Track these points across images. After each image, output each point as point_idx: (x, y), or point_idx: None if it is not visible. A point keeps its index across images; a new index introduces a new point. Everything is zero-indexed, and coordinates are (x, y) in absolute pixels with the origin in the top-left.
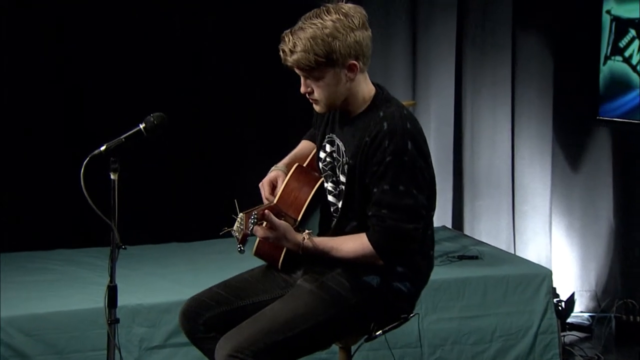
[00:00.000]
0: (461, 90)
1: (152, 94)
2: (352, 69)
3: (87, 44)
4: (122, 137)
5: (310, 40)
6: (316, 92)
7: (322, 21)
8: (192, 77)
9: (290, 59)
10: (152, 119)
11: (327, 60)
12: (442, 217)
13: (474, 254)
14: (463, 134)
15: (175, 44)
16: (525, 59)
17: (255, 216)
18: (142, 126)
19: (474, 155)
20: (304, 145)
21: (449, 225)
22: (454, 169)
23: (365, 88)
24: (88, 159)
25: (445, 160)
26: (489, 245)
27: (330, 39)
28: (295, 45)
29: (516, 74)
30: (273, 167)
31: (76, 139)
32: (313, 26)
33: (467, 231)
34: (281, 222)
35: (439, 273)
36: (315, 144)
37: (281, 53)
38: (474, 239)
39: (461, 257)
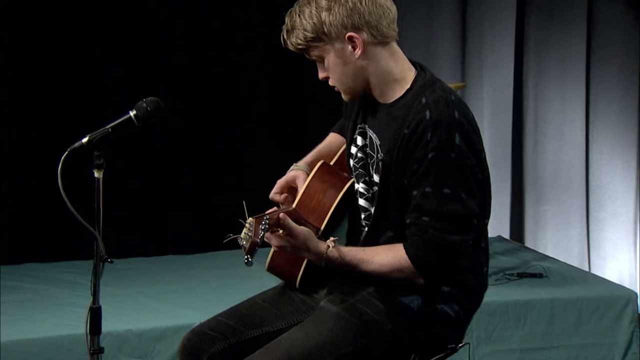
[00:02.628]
0: (522, 69)
1: (146, 81)
2: (353, 42)
3: (72, 23)
4: (108, 126)
5: (300, 16)
6: (330, 77)
7: None
8: (193, 63)
9: (288, 42)
10: (144, 104)
11: (317, 36)
12: (497, 225)
13: (537, 271)
14: (524, 124)
15: (172, 26)
16: (604, 29)
17: (268, 221)
18: (132, 113)
19: (537, 150)
20: (332, 139)
21: (507, 236)
22: (512, 167)
23: (396, 67)
24: (67, 153)
25: (502, 156)
26: (557, 260)
27: (318, 11)
28: (289, 26)
29: (592, 48)
30: (293, 166)
31: (54, 128)
32: (306, 1)
33: (529, 243)
34: (302, 229)
35: (495, 294)
36: (345, 137)
37: (283, 37)
38: (537, 252)
39: (522, 275)
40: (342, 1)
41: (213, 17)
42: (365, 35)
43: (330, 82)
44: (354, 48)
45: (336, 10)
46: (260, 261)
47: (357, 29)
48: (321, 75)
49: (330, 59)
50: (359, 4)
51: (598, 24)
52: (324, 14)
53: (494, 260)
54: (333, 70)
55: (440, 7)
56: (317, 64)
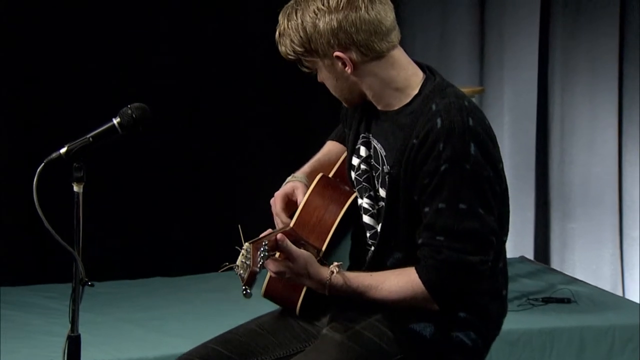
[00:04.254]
0: (547, 71)
1: (132, 86)
2: (342, 60)
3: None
4: (89, 135)
5: (288, 25)
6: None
7: (305, 1)
8: (183, 67)
9: (279, 48)
10: (129, 111)
11: (305, 50)
12: (520, 245)
13: (565, 295)
14: (549, 132)
15: (160, 24)
16: (639, 27)
17: (266, 247)
18: (116, 121)
19: (564, 161)
20: (331, 147)
21: (530, 257)
22: (536, 180)
23: (398, 76)
24: (43, 164)
25: (525, 168)
26: (587, 283)
27: (304, 25)
28: (281, 29)
29: (625, 48)
30: (289, 178)
31: (29, 137)
32: (297, 7)
33: (555, 264)
34: (301, 252)
35: (517, 321)
36: (345, 145)
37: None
38: (564, 274)
39: (547, 300)
40: (327, 19)
41: (205, 17)
42: (354, 55)
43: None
44: (344, 66)
45: (321, 28)
46: (256, 284)
47: (344, 49)
48: (319, 79)
49: (322, 73)
50: (344, 22)
51: (631, 22)
52: (309, 30)
53: (517, 284)
54: (326, 82)
55: (456, 2)
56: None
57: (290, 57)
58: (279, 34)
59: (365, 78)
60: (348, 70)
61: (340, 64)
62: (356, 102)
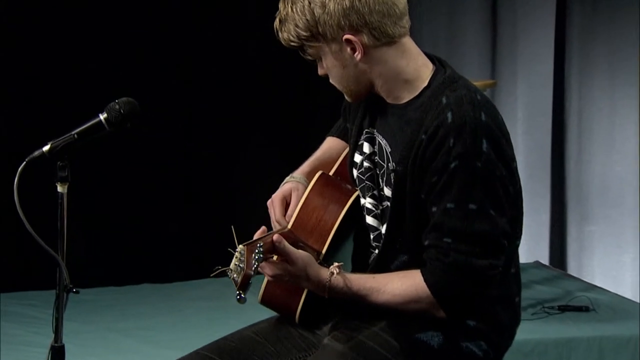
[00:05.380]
0: (563, 64)
1: (122, 80)
2: (351, 44)
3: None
4: (73, 132)
5: (292, 8)
6: (329, 77)
7: None
8: (175, 61)
9: (280, 36)
10: (117, 106)
11: (311, 34)
12: (535, 249)
13: (582, 303)
14: (566, 128)
15: (153, 18)
16: None
17: (261, 249)
18: (102, 117)
19: (582, 159)
20: (331, 144)
21: (546, 262)
22: (552, 180)
23: (408, 66)
24: (25, 163)
25: (540, 167)
26: (606, 290)
27: (311, 6)
28: (282, 16)
29: None
30: (288, 177)
31: (11, 133)
32: None
33: (572, 270)
34: (300, 253)
35: (531, 330)
36: (347, 142)
37: (275, 31)
38: (582, 281)
39: (564, 308)
40: None
41: (204, 14)
42: (365, 38)
43: (331, 81)
44: (353, 51)
45: (331, 8)
46: (252, 291)
47: (355, 31)
48: (321, 71)
49: (328, 60)
50: (357, 1)
51: None
52: (317, 11)
53: (531, 291)
54: (331, 72)
55: None
56: (317, 62)
57: (292, 44)
58: (280, 20)
59: (374, 66)
60: (358, 55)
61: (349, 49)
62: (361, 94)
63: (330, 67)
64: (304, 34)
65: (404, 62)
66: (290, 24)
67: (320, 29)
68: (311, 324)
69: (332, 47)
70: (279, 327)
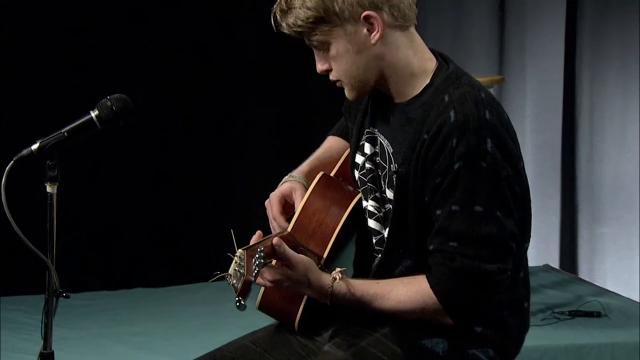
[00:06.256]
0: (574, 59)
1: (114, 76)
2: (370, 23)
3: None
4: (64, 130)
5: None
6: (333, 69)
7: None
8: (170, 57)
9: (284, 23)
10: (109, 103)
11: (324, 16)
12: (544, 252)
13: (594, 308)
14: (577, 126)
15: (157, 22)
16: None
17: (262, 254)
18: (94, 114)
19: (593, 158)
20: (332, 143)
21: (556, 265)
22: (562, 180)
23: (415, 58)
24: (13, 162)
25: (550, 167)
26: (618, 295)
27: None
28: (284, 4)
29: None
30: (286, 177)
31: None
32: None
33: (583, 273)
34: (301, 257)
35: (541, 337)
36: (349, 141)
37: (275, 17)
38: (594, 285)
39: (574, 314)
40: None
41: (202, 13)
42: (385, 16)
43: (332, 76)
44: (370, 31)
45: None
46: (250, 295)
47: (376, 7)
48: (321, 67)
49: (339, 45)
50: None
51: None
52: None
53: (541, 295)
54: (340, 60)
55: None
56: (316, 53)
57: (298, 29)
58: (283, 8)
59: (388, 50)
60: (375, 36)
61: (365, 29)
62: (366, 88)
63: (341, 54)
64: (316, 15)
65: (412, 52)
66: (297, 8)
67: (337, 7)
68: (311, 331)
69: (346, 28)
70: (277, 334)
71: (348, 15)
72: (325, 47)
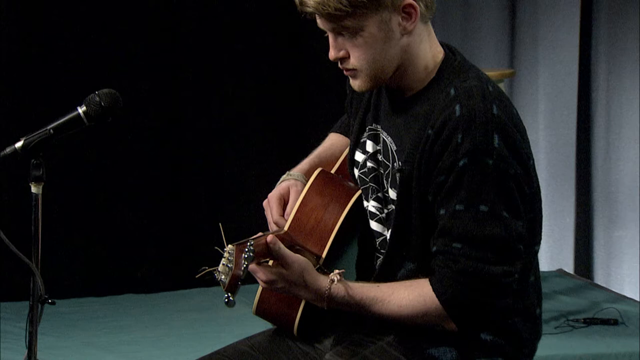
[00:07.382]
0: (590, 52)
1: (103, 71)
2: (408, 12)
3: None
4: (49, 127)
5: None
6: (353, 57)
7: None
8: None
9: (312, 2)
10: (97, 99)
11: (368, 0)
12: (558, 256)
13: (611, 316)
14: (593, 122)
15: (150, 17)
16: None
17: (252, 248)
18: (81, 110)
19: (610, 157)
20: (334, 141)
21: (570, 270)
22: (577, 180)
23: (429, 50)
24: None
25: (564, 165)
26: (636, 301)
27: None
28: None
29: None
30: (284, 176)
31: None
32: None
33: (599, 279)
34: (297, 257)
35: (554, 345)
36: (350, 139)
37: None
38: (610, 291)
39: (590, 321)
40: None
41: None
42: (422, 6)
43: (349, 64)
44: (405, 21)
45: None
46: (246, 301)
47: None
48: (336, 54)
49: (371, 31)
50: None
51: None
52: None
53: (554, 302)
54: (367, 48)
55: None
56: (332, 39)
57: (333, 11)
58: None
59: (414, 42)
60: (410, 26)
61: (400, 18)
62: (384, 78)
63: (369, 41)
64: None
65: (428, 46)
66: None
67: None
68: (311, 337)
69: (383, 15)
70: (276, 340)
71: (390, 2)
72: (353, 32)
